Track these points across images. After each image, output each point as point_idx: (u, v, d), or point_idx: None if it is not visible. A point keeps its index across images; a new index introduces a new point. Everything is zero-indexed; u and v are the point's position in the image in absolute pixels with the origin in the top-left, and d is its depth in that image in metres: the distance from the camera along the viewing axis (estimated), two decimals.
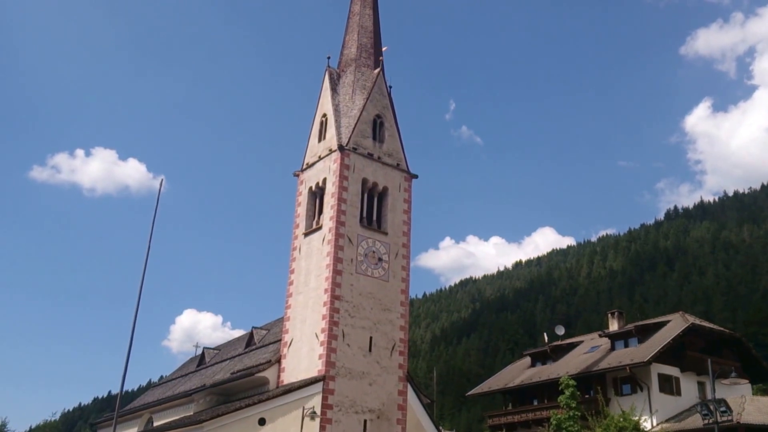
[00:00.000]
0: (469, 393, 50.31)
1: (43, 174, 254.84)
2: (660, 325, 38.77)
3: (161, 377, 69.26)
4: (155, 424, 37.88)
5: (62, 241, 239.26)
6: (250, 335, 37.89)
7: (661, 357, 35.31)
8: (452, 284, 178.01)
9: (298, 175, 34.96)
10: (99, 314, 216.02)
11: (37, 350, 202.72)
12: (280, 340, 32.12)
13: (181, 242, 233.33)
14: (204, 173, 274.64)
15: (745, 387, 35.57)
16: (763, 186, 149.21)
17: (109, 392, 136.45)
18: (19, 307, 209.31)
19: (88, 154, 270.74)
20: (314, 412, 27.01)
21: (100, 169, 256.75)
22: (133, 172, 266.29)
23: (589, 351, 41.05)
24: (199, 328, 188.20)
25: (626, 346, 38.32)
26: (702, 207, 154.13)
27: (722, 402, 23.26)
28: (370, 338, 29.90)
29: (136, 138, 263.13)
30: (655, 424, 33.87)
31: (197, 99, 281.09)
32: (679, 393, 36.07)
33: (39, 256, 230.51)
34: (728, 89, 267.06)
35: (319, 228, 31.86)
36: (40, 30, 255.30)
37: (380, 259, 31.52)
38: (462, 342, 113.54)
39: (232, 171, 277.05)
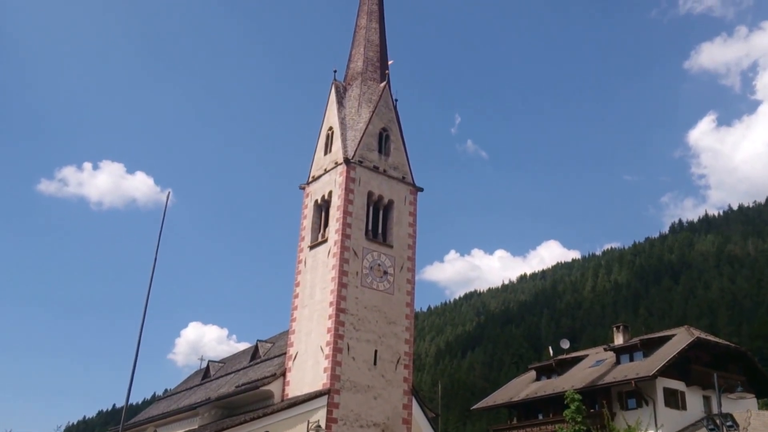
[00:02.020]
0: (474, 407, 50.11)
1: (51, 187, 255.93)
2: (665, 339, 38.65)
3: (166, 390, 69.26)
4: None
5: (69, 255, 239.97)
6: (255, 348, 37.88)
7: (667, 371, 35.18)
8: (457, 297, 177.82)
9: (303, 188, 35.08)
10: (104, 327, 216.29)
11: (43, 362, 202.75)
12: (285, 353, 32.11)
13: (187, 255, 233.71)
14: (211, 186, 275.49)
15: (750, 401, 35.44)
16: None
17: (114, 405, 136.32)
18: (25, 320, 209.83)
19: (95, 167, 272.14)
20: (319, 426, 26.97)
21: (107, 183, 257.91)
22: (141, 186, 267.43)
23: (594, 365, 40.91)
24: (205, 341, 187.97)
25: (631, 360, 38.20)
26: (707, 220, 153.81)
27: (728, 417, 23.20)
28: (375, 351, 29.87)
29: (144, 151, 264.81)
30: None
31: (205, 112, 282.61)
32: (684, 407, 35.89)
33: (46, 269, 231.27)
34: (732, 103, 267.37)
35: (325, 241, 31.93)
36: (48, 43, 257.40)
37: (385, 272, 31.56)
38: (467, 355, 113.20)
39: (239, 184, 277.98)
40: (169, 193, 23.49)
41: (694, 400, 36.41)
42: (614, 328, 44.09)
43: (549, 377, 43.44)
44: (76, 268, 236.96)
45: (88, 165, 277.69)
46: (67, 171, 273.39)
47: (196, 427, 33.48)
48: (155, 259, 20.70)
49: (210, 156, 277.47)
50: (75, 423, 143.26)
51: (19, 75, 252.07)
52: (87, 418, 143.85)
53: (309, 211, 33.99)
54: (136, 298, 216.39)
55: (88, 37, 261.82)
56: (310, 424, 27.02)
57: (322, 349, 29.21)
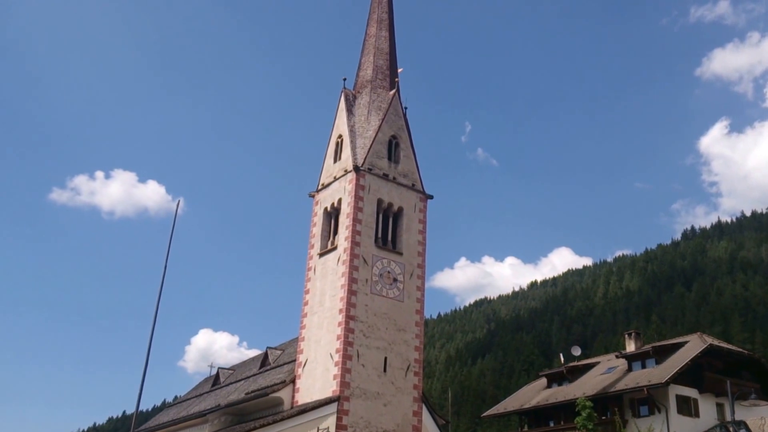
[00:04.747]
0: (485, 414, 49.97)
1: (63, 196, 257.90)
2: (678, 346, 38.43)
3: (176, 397, 69.37)
4: None
5: (80, 263, 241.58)
6: (265, 355, 37.89)
7: (679, 378, 34.96)
8: (467, 304, 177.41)
9: (313, 196, 35.11)
10: (115, 334, 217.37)
11: (53, 369, 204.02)
12: (294, 360, 32.11)
13: (198, 263, 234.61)
14: (221, 195, 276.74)
15: (764, 409, 34.93)
16: None
17: (124, 412, 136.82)
18: (36, 327, 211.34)
19: (108, 176, 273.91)
20: None
21: (119, 192, 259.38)
22: (153, 194, 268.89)
23: (605, 372, 40.69)
24: (215, 348, 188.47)
25: (643, 367, 37.98)
26: (719, 227, 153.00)
27: (742, 424, 23.05)
28: (385, 358, 29.80)
29: (155, 160, 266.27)
30: None
31: (216, 121, 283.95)
32: (697, 415, 35.63)
33: (57, 277, 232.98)
34: (744, 110, 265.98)
35: (334, 248, 31.94)
36: (60, 52, 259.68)
37: (395, 280, 31.53)
38: (477, 362, 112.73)
39: (249, 192, 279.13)
40: (179, 201, 23.62)
41: (707, 408, 36.14)
42: (626, 335, 43.89)
43: (560, 384, 43.23)
44: (87, 276, 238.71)
45: (100, 174, 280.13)
46: (80, 180, 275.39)
47: None
48: (165, 266, 20.79)
49: (220, 164, 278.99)
50: (85, 429, 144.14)
51: (32, 84, 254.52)
52: (97, 424, 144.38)
53: (318, 219, 34.01)
54: (146, 305, 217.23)
55: (100, 46, 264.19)
56: (319, 431, 26.97)
57: (331, 356, 29.19)
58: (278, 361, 35.81)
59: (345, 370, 28.44)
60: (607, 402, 36.84)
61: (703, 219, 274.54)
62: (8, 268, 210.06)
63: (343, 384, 28.23)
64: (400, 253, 32.24)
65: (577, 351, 45.45)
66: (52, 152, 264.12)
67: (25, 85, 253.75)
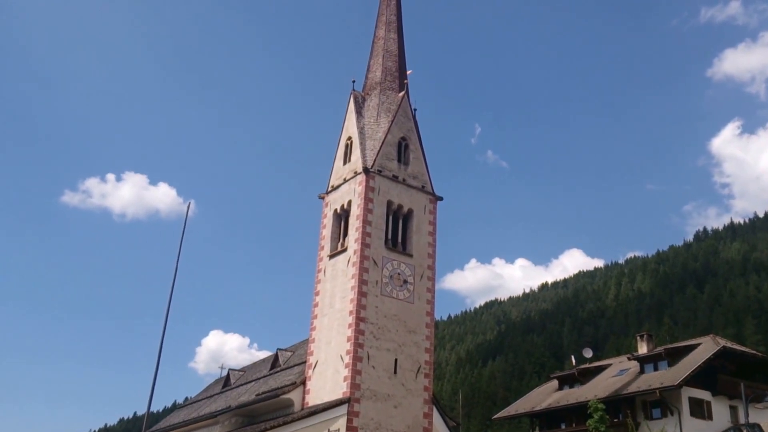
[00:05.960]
0: (496, 416, 49.81)
1: (75, 199, 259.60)
2: (690, 348, 38.17)
3: (187, 398, 69.54)
4: None
5: (92, 266, 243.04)
6: (275, 357, 37.95)
7: (692, 380, 34.70)
8: (478, 306, 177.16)
9: (323, 198, 35.12)
10: (126, 336, 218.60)
11: (64, 371, 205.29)
12: (305, 361, 32.12)
13: (208, 264, 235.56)
14: (232, 197, 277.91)
15: None
16: None
17: (135, 413, 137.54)
18: (47, 328, 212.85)
19: (119, 179, 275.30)
20: None
21: (130, 194, 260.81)
22: (164, 197, 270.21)
23: (617, 374, 40.46)
24: (226, 349, 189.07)
25: (656, 369, 37.75)
26: (732, 228, 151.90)
27: (756, 426, 22.86)
28: (395, 360, 29.75)
29: (166, 163, 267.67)
30: None
31: (226, 124, 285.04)
32: (710, 417, 35.35)
33: (69, 280, 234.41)
34: (756, 111, 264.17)
35: (344, 250, 31.93)
36: (71, 55, 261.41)
37: (405, 281, 31.47)
38: (488, 364, 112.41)
39: (259, 194, 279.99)
40: (189, 203, 23.68)
41: (721, 410, 35.86)
42: (638, 337, 43.64)
43: (571, 386, 43.03)
44: (98, 278, 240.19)
45: (111, 176, 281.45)
46: (91, 182, 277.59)
47: None
48: (176, 268, 20.87)
49: (231, 166, 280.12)
50: (96, 430, 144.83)
51: (42, 87, 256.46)
52: (108, 425, 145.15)
53: (328, 221, 34.00)
54: (157, 307, 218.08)
55: (111, 49, 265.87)
56: None
57: (342, 357, 29.18)
58: (289, 363, 35.84)
59: (355, 372, 28.41)
60: (619, 404, 36.63)
61: (715, 220, 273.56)
62: (20, 270, 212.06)
63: (354, 386, 28.19)
64: (410, 255, 32.18)
65: (588, 353, 45.20)
66: (64, 155, 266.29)
67: (36, 87, 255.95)
